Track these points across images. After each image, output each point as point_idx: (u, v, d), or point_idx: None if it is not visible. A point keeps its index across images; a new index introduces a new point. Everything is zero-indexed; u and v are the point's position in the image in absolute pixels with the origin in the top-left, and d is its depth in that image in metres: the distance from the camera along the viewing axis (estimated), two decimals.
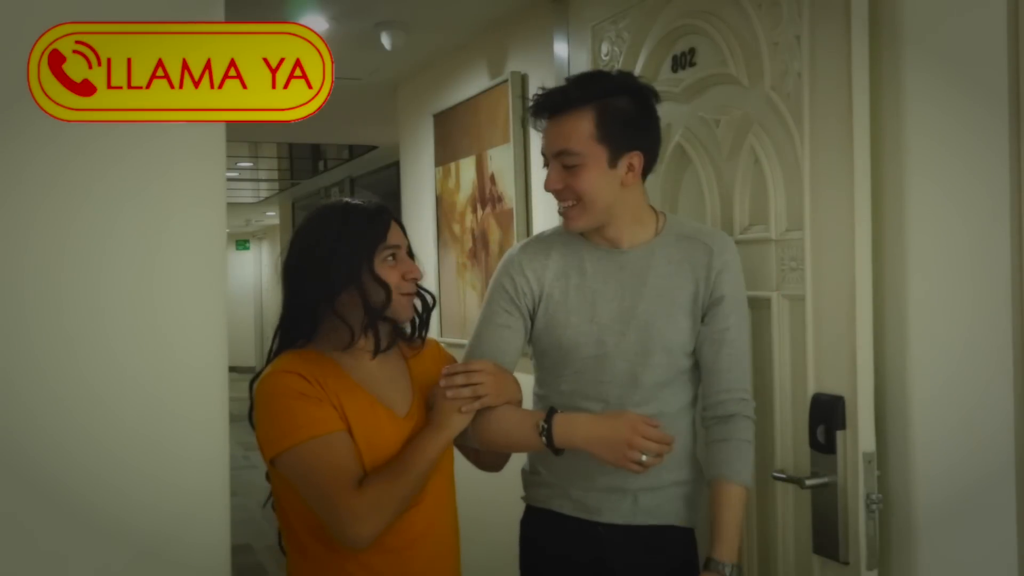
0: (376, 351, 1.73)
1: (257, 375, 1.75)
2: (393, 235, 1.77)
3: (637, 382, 1.88)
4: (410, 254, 1.83)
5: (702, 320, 1.91)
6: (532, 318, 1.96)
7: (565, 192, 1.87)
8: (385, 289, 1.72)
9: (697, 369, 1.94)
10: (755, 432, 1.92)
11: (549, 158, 1.89)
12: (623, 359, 1.89)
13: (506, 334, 1.94)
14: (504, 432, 1.83)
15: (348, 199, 1.84)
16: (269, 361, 1.78)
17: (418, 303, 1.85)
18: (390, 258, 1.75)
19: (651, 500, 1.91)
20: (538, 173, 2.95)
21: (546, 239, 2.00)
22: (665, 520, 1.92)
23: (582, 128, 1.83)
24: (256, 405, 1.71)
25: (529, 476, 2.02)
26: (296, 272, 1.76)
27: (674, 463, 1.90)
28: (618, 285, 1.91)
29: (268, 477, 1.79)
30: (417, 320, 1.86)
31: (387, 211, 1.80)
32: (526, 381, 1.97)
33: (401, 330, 1.85)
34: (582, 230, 1.93)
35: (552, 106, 1.87)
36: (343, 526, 1.63)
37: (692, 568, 1.95)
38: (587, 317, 1.91)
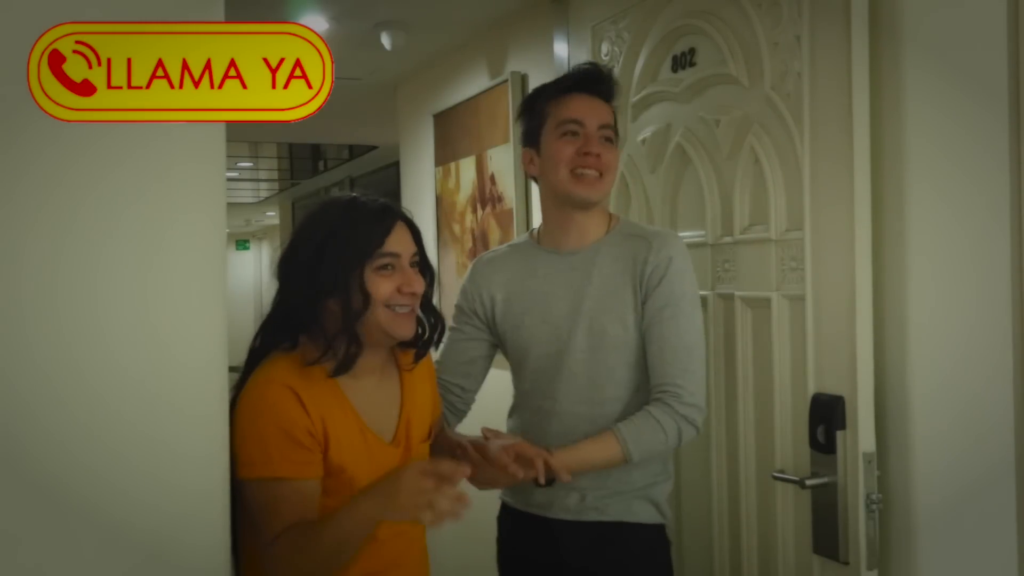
0: (337, 370, 1.61)
1: (242, 382, 1.67)
2: (395, 242, 1.64)
3: (589, 377, 1.93)
4: (421, 263, 1.70)
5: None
6: (491, 323, 2.05)
7: (598, 161, 1.95)
8: (366, 299, 1.61)
9: None
10: (676, 429, 1.85)
11: (590, 128, 1.95)
12: (575, 355, 1.93)
13: (464, 342, 2.06)
14: None
15: (356, 194, 1.70)
16: (251, 363, 1.69)
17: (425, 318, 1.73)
18: (387, 267, 1.63)
19: (599, 496, 1.93)
20: None
21: (501, 252, 2.12)
22: (615, 517, 1.93)
23: (614, 114, 2.03)
24: (239, 413, 1.61)
25: None
26: (287, 269, 1.68)
27: (629, 464, 1.89)
28: (567, 284, 1.97)
29: None
30: (421, 341, 1.75)
31: (393, 213, 1.67)
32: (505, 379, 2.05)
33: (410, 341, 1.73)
34: (598, 201, 1.99)
35: (607, 92, 2.02)
36: (264, 569, 1.63)
37: (659, 564, 1.97)
38: (540, 317, 1.98)
